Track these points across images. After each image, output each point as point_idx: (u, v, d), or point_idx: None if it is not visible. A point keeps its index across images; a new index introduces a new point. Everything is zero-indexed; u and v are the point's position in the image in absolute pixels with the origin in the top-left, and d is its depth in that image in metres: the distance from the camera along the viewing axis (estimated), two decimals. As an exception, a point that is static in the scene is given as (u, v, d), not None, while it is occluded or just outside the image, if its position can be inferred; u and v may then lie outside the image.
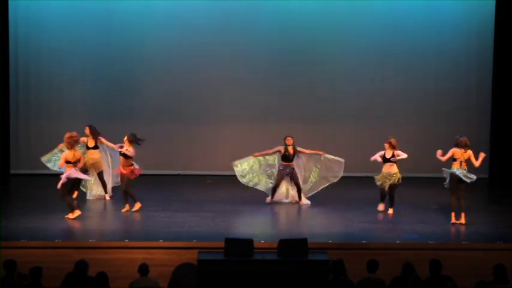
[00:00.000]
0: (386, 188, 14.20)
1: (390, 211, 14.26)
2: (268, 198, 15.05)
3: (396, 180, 14.11)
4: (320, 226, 13.25)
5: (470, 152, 13.39)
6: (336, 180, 15.07)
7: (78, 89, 18.12)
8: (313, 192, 15.11)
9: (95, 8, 17.91)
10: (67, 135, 13.59)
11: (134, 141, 14.10)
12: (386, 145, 14.29)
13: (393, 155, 14.18)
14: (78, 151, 13.65)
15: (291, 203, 15.02)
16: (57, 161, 14.41)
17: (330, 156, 15.09)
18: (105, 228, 12.92)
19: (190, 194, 15.87)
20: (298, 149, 15.00)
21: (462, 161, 13.35)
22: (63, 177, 13.30)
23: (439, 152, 13.51)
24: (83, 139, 14.84)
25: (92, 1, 17.90)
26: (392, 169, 14.16)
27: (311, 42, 18.07)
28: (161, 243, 11.91)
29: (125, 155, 14.05)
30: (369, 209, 14.56)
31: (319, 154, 15.05)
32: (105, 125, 17.69)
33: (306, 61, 18.13)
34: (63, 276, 9.66)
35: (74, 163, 13.36)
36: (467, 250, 11.98)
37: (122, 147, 14.16)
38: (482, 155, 13.38)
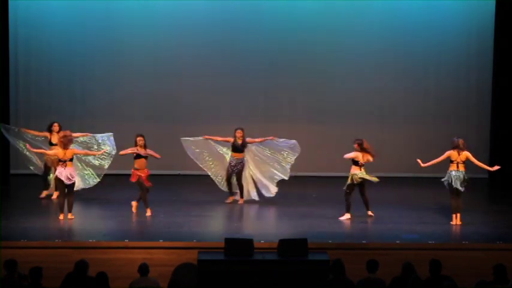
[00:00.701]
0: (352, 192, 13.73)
1: (370, 213, 13.89)
2: (233, 197, 15.07)
3: (370, 180, 13.67)
4: (320, 226, 13.24)
5: (467, 153, 13.38)
6: (291, 160, 15.03)
7: (78, 89, 18.11)
8: (281, 178, 15.06)
9: (95, 8, 17.91)
10: (61, 134, 13.65)
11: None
12: (356, 146, 13.84)
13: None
14: (70, 150, 13.59)
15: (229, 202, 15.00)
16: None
17: (281, 140, 15.09)
18: (105, 228, 12.91)
19: (190, 194, 15.87)
20: (248, 139, 15.00)
21: (459, 163, 13.36)
22: (54, 176, 13.55)
23: (419, 161, 13.55)
24: (45, 134, 15.00)
25: (92, 1, 17.90)
26: (354, 169, 13.72)
27: (311, 42, 18.05)
28: (161, 243, 11.91)
29: (145, 157, 13.87)
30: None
31: (270, 139, 15.05)
32: (105, 125, 17.74)
33: (306, 61, 18.13)
34: (63, 276, 9.67)
35: (64, 162, 13.38)
36: (467, 250, 11.98)
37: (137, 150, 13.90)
38: (495, 168, 13.51)
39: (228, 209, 14.58)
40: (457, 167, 13.36)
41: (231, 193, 15.05)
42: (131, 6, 17.95)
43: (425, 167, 13.63)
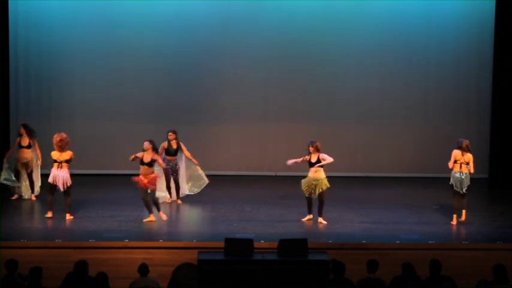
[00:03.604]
0: (315, 195, 13.34)
1: (321, 220, 13.36)
2: (168, 198, 15.05)
3: (323, 187, 13.22)
4: (320, 226, 13.24)
5: (469, 156, 13.37)
6: (197, 190, 15.12)
7: (78, 89, 18.11)
8: (198, 190, 15.13)
9: (95, 8, 17.91)
10: (57, 138, 13.48)
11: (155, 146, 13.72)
12: (311, 149, 13.33)
13: (318, 160, 13.27)
14: (67, 152, 13.53)
15: (165, 202, 14.89)
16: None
17: (200, 172, 15.06)
18: (105, 228, 12.91)
19: (190, 194, 15.85)
20: (182, 145, 14.99)
21: (462, 163, 13.36)
22: (50, 177, 13.48)
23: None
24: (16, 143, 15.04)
25: (92, 1, 17.90)
26: (318, 174, 13.25)
27: (311, 42, 18.04)
28: (161, 243, 11.91)
29: (148, 164, 13.46)
30: (369, 209, 14.56)
31: (194, 163, 15.01)
32: (105, 125, 17.76)
33: (306, 61, 18.13)
34: (63, 276, 9.68)
35: (59, 163, 13.39)
36: (467, 250, 11.98)
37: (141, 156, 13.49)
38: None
39: (229, 209, 14.57)
40: (460, 167, 13.36)
41: (171, 196, 15.13)
42: (132, 6, 17.94)
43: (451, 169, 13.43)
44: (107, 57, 18.03)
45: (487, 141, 17.42)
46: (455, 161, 13.38)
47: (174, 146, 14.95)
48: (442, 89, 18.24)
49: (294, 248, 11.05)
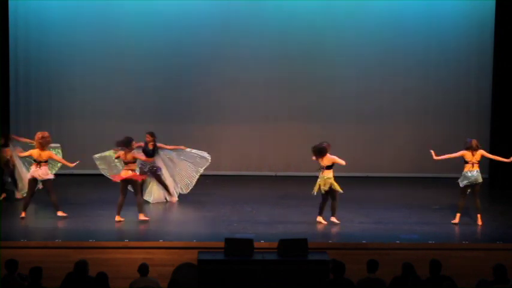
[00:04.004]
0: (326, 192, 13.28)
1: (334, 219, 13.37)
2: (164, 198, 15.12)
3: (330, 185, 13.26)
4: (320, 226, 13.24)
5: (481, 152, 13.38)
6: (199, 172, 15.04)
7: (78, 89, 18.12)
8: (192, 187, 15.09)
9: (95, 8, 17.92)
10: (39, 135, 13.50)
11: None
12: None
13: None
14: (47, 152, 13.55)
15: (158, 202, 14.96)
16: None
17: (194, 151, 15.07)
18: (105, 228, 12.91)
19: (190, 194, 15.85)
20: (159, 144, 14.96)
21: (474, 163, 13.34)
22: (29, 175, 13.50)
23: (432, 152, 13.48)
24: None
25: (92, 2, 17.91)
26: (326, 173, 13.27)
27: (312, 43, 18.06)
28: (161, 243, 11.90)
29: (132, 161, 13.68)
30: (369, 209, 14.56)
31: (182, 149, 15.05)
32: (105, 125, 17.75)
33: (307, 62, 18.14)
34: (63, 276, 9.67)
35: (39, 163, 13.38)
36: (467, 250, 11.97)
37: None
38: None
39: (229, 209, 14.56)
40: (472, 166, 13.35)
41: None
42: (133, 6, 17.95)
43: (437, 160, 13.48)
44: (106, 57, 18.04)
45: (487, 141, 17.40)
46: (466, 162, 13.34)
47: (151, 147, 14.90)
48: (442, 89, 18.24)
49: (294, 248, 11.05)
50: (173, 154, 15.14)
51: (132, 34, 17.96)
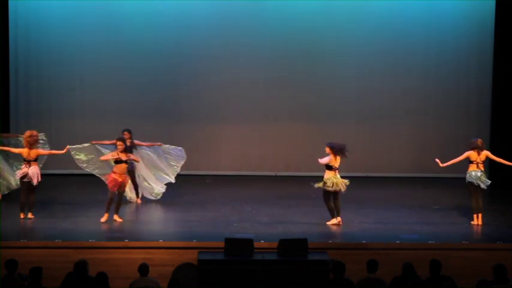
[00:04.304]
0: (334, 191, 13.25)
1: (339, 219, 13.38)
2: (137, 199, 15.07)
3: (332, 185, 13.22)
4: (320, 226, 13.24)
5: (486, 152, 13.40)
6: (179, 165, 15.00)
7: (78, 89, 18.12)
8: (169, 181, 15.04)
9: (95, 8, 17.93)
10: (27, 133, 13.51)
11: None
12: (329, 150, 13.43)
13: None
14: (35, 150, 13.55)
15: (131, 202, 14.95)
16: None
17: (171, 147, 15.04)
18: (105, 228, 12.91)
19: (190, 194, 15.87)
20: (135, 141, 14.92)
21: (479, 163, 13.34)
22: (18, 174, 13.50)
23: (438, 161, 13.48)
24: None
25: (92, 2, 17.91)
26: (328, 174, 13.28)
27: (312, 43, 18.07)
28: (161, 243, 11.90)
29: (124, 161, 13.55)
30: (368, 209, 14.56)
31: (158, 145, 15.03)
32: (105, 125, 17.74)
33: (306, 61, 18.14)
34: (63, 276, 9.67)
35: (28, 162, 13.38)
36: (467, 250, 11.97)
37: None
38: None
39: (229, 209, 14.56)
40: (477, 166, 13.35)
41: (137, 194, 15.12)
42: (133, 6, 17.95)
43: (444, 167, 13.48)
44: (106, 57, 18.04)
45: (487, 141, 17.39)
46: (471, 162, 13.34)
47: (128, 144, 14.81)
48: (442, 89, 18.25)
49: (294, 248, 11.05)
50: (150, 150, 15.08)
51: (132, 34, 17.97)
